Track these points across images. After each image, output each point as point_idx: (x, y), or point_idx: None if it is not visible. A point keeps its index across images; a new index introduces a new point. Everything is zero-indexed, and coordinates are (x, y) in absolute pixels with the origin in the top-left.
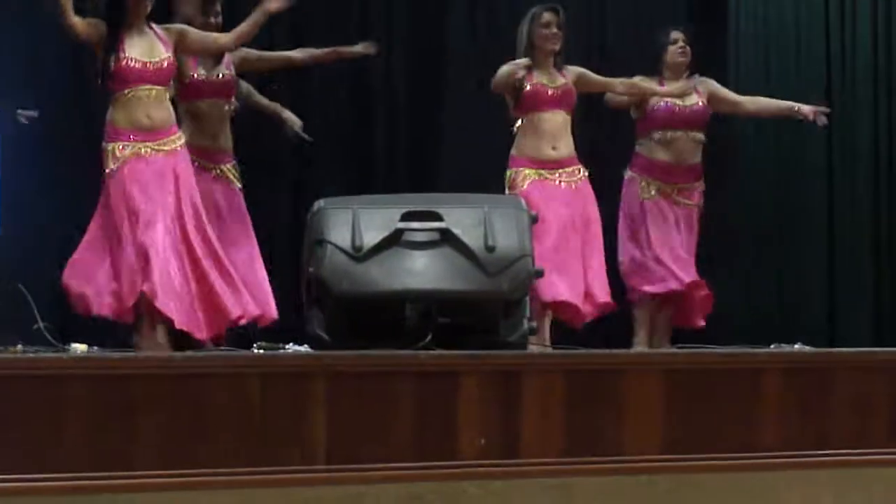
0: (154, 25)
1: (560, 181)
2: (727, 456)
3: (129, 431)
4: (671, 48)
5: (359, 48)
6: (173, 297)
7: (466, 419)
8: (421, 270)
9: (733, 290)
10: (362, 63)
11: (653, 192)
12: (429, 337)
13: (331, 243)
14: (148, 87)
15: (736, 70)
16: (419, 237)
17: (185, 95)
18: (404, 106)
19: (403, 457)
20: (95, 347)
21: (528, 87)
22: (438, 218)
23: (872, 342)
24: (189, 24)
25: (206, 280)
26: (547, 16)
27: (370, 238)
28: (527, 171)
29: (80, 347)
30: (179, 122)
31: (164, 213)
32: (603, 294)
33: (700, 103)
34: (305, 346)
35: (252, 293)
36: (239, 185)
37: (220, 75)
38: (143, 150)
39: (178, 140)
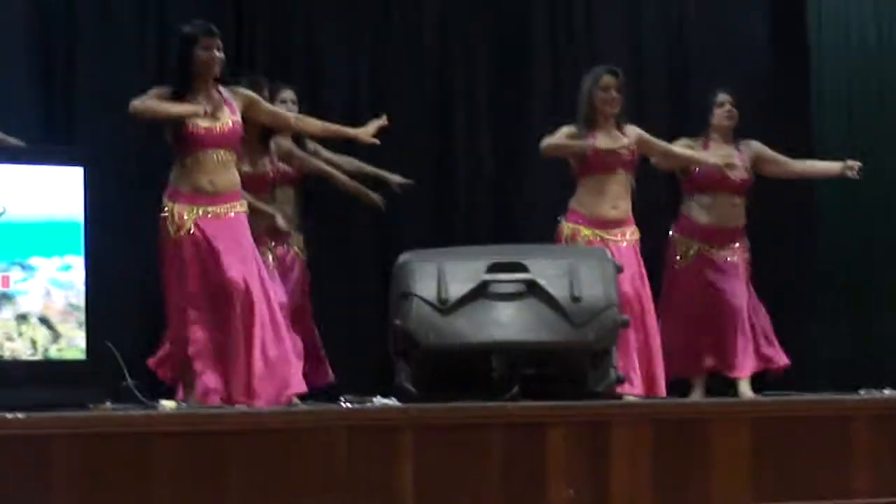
0: (222, 88)
1: (615, 241)
2: (817, 503)
3: (217, 487)
4: (718, 111)
5: (396, 179)
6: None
7: (555, 470)
8: (507, 322)
9: (819, 336)
10: (443, 110)
11: (690, 254)
12: (515, 388)
13: (417, 296)
14: (214, 150)
15: (819, 123)
16: (505, 289)
17: None
18: (486, 153)
19: None
20: (184, 404)
21: (592, 152)
22: (524, 269)
23: None
24: None
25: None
26: (607, 79)
27: (456, 290)
28: (584, 232)
29: (168, 404)
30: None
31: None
32: (661, 385)
33: (744, 171)
34: (392, 398)
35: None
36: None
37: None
38: (201, 212)
39: (241, 206)
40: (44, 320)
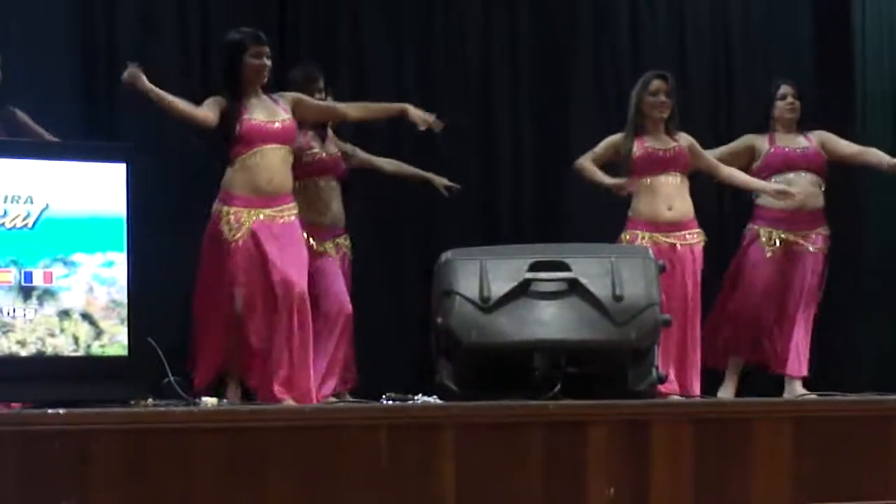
0: (270, 94)
1: (672, 243)
2: None
3: (258, 484)
4: (780, 104)
5: (442, 181)
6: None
7: (595, 469)
8: (549, 320)
9: (862, 335)
10: (487, 111)
11: (776, 243)
12: (557, 387)
13: (459, 294)
14: (273, 146)
15: (863, 125)
16: (547, 287)
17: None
18: (529, 153)
19: None
20: (225, 401)
21: (639, 152)
22: (566, 268)
23: None
24: None
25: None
26: (656, 83)
27: (498, 289)
28: (642, 235)
29: (210, 401)
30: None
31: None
32: (696, 389)
33: (812, 147)
34: (434, 396)
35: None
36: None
37: (327, 153)
38: (260, 216)
39: (295, 209)
40: (86, 316)
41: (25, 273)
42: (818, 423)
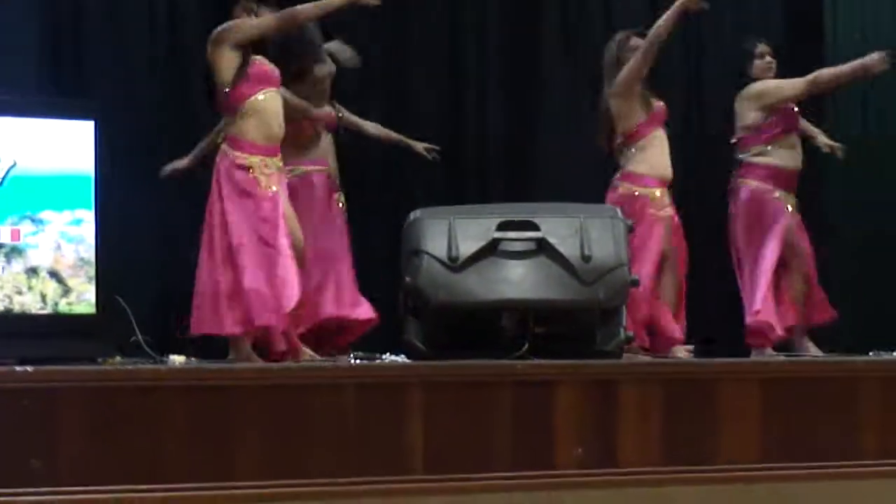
0: None
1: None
2: (825, 464)
3: (225, 442)
4: (758, 62)
5: (422, 146)
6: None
7: (563, 428)
8: (517, 280)
9: (831, 298)
10: (456, 71)
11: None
12: (525, 346)
13: (427, 253)
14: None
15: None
16: (515, 247)
17: None
18: (498, 113)
19: (500, 466)
20: (193, 359)
21: (658, 108)
22: (535, 227)
23: None
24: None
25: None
26: (635, 41)
27: (466, 248)
28: (656, 193)
29: (178, 359)
30: None
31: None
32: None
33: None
34: (402, 356)
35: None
36: None
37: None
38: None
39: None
40: (54, 274)
41: None
42: (786, 383)
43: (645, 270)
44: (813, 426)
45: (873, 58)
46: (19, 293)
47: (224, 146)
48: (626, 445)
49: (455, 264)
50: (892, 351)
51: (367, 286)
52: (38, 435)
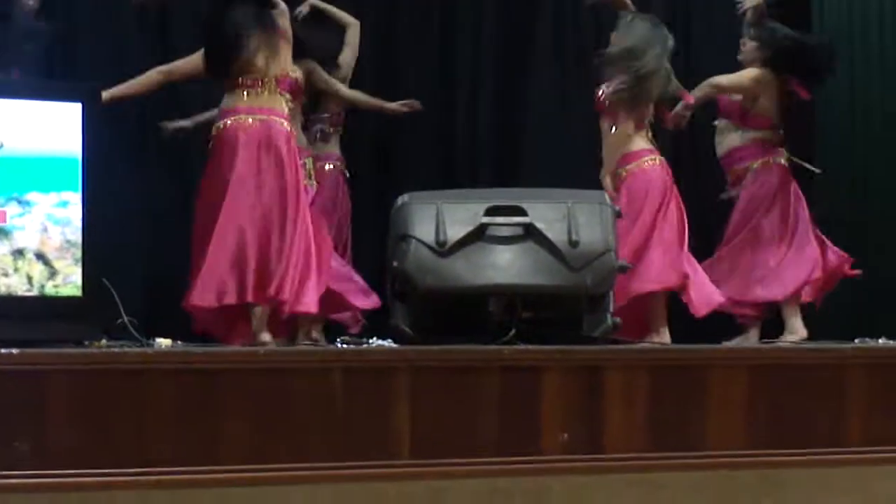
0: None
1: None
2: (811, 451)
3: (212, 425)
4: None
5: (396, 106)
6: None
7: (550, 414)
8: (505, 265)
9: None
10: (446, 56)
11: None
12: (512, 332)
13: (415, 238)
14: None
15: None
16: (503, 232)
17: None
18: (487, 98)
19: (486, 452)
20: (179, 342)
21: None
22: (522, 213)
23: None
24: None
25: None
26: None
27: (454, 233)
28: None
29: (164, 342)
30: None
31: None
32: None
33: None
34: (389, 340)
35: None
36: None
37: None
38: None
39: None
40: (40, 256)
41: None
42: (773, 370)
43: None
44: (800, 413)
45: None
46: (5, 275)
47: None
48: (613, 431)
49: (443, 249)
50: (879, 338)
51: (354, 270)
52: (24, 418)
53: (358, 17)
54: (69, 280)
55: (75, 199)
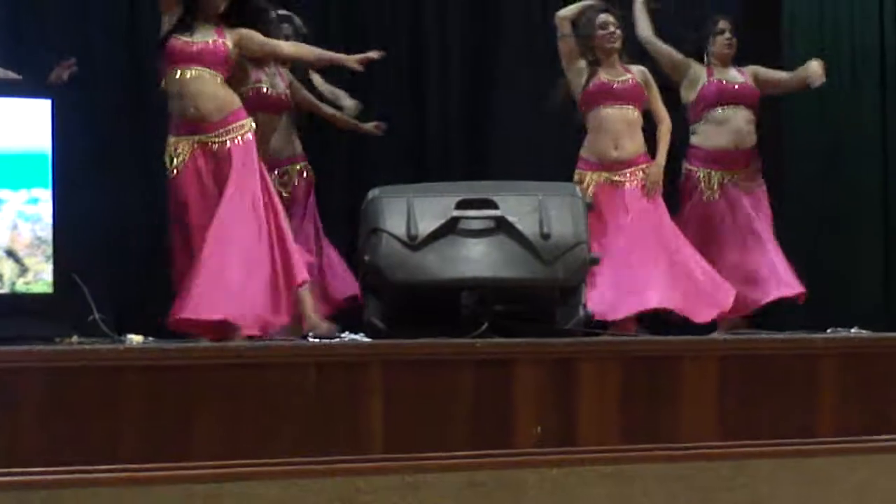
0: (224, 27)
1: (623, 181)
2: (784, 442)
3: (185, 422)
4: (719, 38)
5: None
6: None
7: (523, 407)
8: (476, 258)
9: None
10: (416, 51)
11: (715, 187)
12: (485, 325)
13: (386, 232)
14: (194, 68)
15: (791, 61)
16: (474, 225)
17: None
18: (457, 92)
19: (460, 445)
20: (151, 339)
21: (596, 83)
22: (493, 206)
23: None
24: None
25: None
26: (604, 17)
27: (425, 226)
28: (591, 176)
29: (136, 339)
30: None
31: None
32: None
33: (747, 81)
34: (361, 334)
35: None
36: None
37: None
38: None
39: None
40: (11, 253)
41: None
42: (744, 361)
43: None
44: (772, 404)
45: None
46: None
47: None
48: (586, 424)
49: (414, 243)
50: (851, 328)
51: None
52: None
53: (326, 11)
54: (40, 277)
55: (45, 195)
